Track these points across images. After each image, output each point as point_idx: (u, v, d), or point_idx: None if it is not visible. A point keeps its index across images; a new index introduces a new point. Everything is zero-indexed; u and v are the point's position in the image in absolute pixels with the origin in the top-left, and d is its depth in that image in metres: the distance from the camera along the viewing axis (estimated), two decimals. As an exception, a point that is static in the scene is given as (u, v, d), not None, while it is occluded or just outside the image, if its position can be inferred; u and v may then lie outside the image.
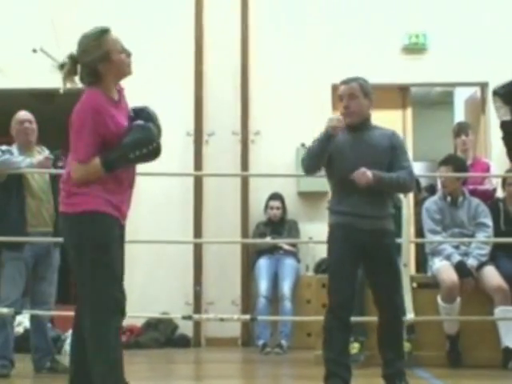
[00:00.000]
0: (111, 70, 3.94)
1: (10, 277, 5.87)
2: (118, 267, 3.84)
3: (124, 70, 4.00)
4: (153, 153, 3.86)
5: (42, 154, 6.11)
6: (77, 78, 4.05)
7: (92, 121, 3.77)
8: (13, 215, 5.87)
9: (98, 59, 3.91)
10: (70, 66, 4.05)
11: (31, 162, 5.89)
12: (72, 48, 8.57)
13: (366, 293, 5.55)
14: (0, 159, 5.84)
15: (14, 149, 6.05)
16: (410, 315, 5.88)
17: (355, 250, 4.53)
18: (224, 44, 8.35)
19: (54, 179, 5.98)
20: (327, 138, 4.46)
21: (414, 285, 6.48)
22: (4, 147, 6.02)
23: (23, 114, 6.14)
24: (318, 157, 4.54)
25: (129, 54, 4.01)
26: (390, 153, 4.64)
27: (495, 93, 3.65)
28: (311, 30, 8.31)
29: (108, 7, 8.42)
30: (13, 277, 5.85)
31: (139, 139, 3.84)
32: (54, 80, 8.22)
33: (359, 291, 5.35)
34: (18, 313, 5.80)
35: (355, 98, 4.63)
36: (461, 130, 7.13)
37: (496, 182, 7.02)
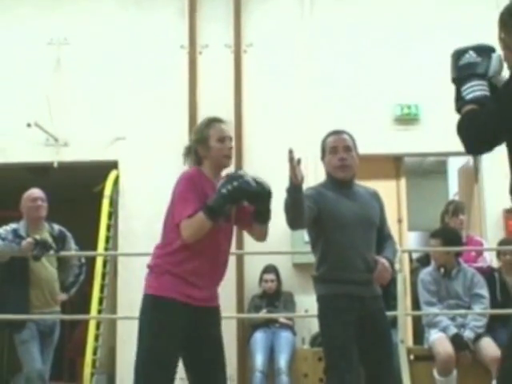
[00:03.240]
0: (208, 155, 4.02)
1: (27, 353, 5.87)
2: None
3: (218, 159, 4.03)
4: (245, 184, 3.84)
5: (47, 231, 6.13)
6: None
7: (193, 186, 3.89)
8: (15, 298, 5.89)
9: (198, 141, 4.07)
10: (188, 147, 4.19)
11: (14, 246, 5.88)
12: (65, 122, 8.69)
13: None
14: None
15: (21, 225, 6.07)
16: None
17: (354, 323, 4.14)
18: (218, 115, 8.36)
19: (60, 258, 6.07)
20: (293, 188, 3.96)
21: (411, 357, 6.41)
22: (9, 227, 6.05)
23: (37, 192, 6.20)
24: (293, 209, 4.00)
25: (229, 148, 4.07)
26: (380, 214, 4.42)
27: None
28: (303, 102, 8.38)
29: (101, 86, 8.51)
30: (29, 352, 5.86)
31: (227, 177, 3.87)
32: (48, 154, 8.42)
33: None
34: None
35: (350, 150, 4.34)
36: (458, 209, 7.11)
37: (490, 259, 7.00)
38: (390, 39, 8.48)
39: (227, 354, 7.70)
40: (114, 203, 8.37)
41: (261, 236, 4.28)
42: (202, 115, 8.36)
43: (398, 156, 8.73)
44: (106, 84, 8.53)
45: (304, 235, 7.90)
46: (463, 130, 2.97)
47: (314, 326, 7.47)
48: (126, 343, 7.74)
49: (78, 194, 9.65)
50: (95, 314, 7.90)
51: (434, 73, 8.34)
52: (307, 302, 7.69)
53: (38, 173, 9.00)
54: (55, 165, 8.34)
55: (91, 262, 7.63)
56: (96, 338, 7.91)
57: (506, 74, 3.05)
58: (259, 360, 7.28)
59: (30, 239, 5.81)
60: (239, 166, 8.24)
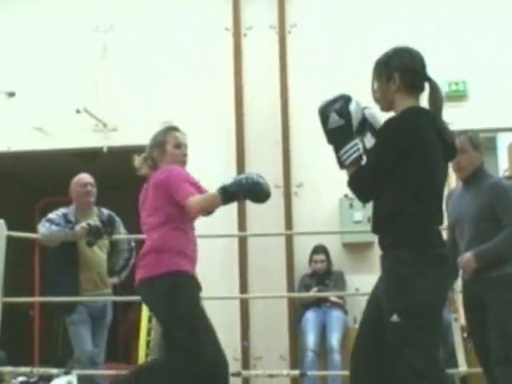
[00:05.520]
0: (164, 159, 4.33)
1: (77, 336, 5.95)
2: None
3: (175, 163, 4.33)
4: (260, 187, 3.99)
5: (96, 215, 6.19)
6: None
7: (186, 175, 4.26)
8: (66, 281, 5.95)
9: (154, 146, 4.39)
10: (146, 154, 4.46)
11: (68, 232, 5.94)
12: (113, 108, 8.77)
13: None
14: (41, 231, 5.93)
15: (70, 210, 6.13)
16: (462, 368, 5.77)
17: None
18: (264, 97, 8.41)
19: (110, 243, 6.13)
20: None
21: (465, 334, 6.38)
22: (59, 211, 6.11)
23: (86, 177, 6.25)
24: None
25: (184, 154, 4.41)
26: (492, 207, 4.66)
27: None
28: (351, 82, 8.31)
29: (147, 71, 8.56)
30: (79, 335, 5.94)
31: (254, 175, 4.07)
32: (97, 139, 8.51)
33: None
34: (67, 373, 5.82)
35: (464, 152, 4.73)
36: None
37: None
38: (438, 17, 8.36)
39: (279, 333, 7.83)
40: (162, 187, 8.43)
41: None
42: (248, 97, 8.44)
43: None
44: (152, 68, 8.57)
45: (353, 214, 7.90)
46: (356, 188, 3.52)
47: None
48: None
49: (126, 178, 9.72)
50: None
51: (480, 48, 8.24)
52: (357, 281, 7.69)
53: (86, 158, 9.10)
54: (104, 150, 8.43)
55: (141, 245, 7.70)
56: (149, 320, 7.99)
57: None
58: (311, 339, 7.30)
59: (83, 224, 5.86)
60: (286, 147, 8.24)
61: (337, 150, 3.56)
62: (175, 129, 4.46)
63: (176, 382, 4.07)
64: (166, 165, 4.31)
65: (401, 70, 3.57)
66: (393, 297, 3.37)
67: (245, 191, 3.96)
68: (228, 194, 3.95)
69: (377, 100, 3.65)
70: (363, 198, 3.66)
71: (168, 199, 4.18)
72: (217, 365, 4.09)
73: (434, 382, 3.25)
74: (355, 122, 3.53)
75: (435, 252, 3.41)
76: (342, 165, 3.55)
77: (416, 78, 3.60)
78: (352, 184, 3.52)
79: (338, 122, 3.53)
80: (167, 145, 4.36)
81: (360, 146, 3.52)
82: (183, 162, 4.37)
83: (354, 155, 3.48)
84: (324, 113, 3.62)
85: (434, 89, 3.59)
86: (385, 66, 3.61)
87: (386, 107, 3.62)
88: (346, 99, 3.61)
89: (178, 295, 4.07)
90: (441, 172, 3.53)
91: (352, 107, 3.56)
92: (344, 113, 3.54)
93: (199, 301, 4.28)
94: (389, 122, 3.51)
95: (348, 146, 3.49)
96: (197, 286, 4.31)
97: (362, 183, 3.50)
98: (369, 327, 3.61)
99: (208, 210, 4.15)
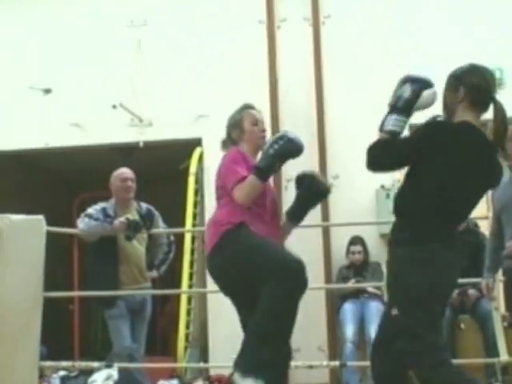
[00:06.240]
0: (243, 138, 4.31)
1: (116, 331, 5.98)
2: None
3: (254, 140, 4.31)
4: (289, 142, 4.03)
5: (135, 209, 6.20)
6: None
7: (240, 159, 4.14)
8: (105, 275, 5.98)
9: (232, 126, 4.38)
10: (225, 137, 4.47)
11: (107, 226, 5.96)
12: (149, 102, 8.79)
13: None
14: (80, 226, 5.97)
15: (110, 204, 6.15)
16: (503, 356, 5.73)
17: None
18: (298, 89, 8.40)
19: (149, 237, 6.14)
20: None
21: (505, 324, 6.33)
22: (98, 206, 6.12)
23: (127, 172, 6.21)
24: None
25: (263, 130, 4.38)
26: None
27: None
28: (385, 72, 8.28)
29: (182, 65, 8.61)
30: (118, 330, 5.97)
31: (273, 138, 4.10)
32: (133, 134, 8.56)
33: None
34: (108, 366, 5.85)
35: None
36: None
37: None
38: (475, 5, 8.30)
39: (317, 324, 7.82)
40: (198, 180, 8.46)
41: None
42: (283, 90, 8.43)
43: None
44: (186, 62, 8.61)
45: (390, 205, 7.85)
46: (374, 152, 3.75)
47: (404, 295, 7.44)
48: (217, 317, 7.85)
49: (162, 172, 9.79)
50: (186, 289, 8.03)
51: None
52: (395, 272, 7.66)
53: (123, 153, 9.16)
54: (141, 145, 8.48)
55: (179, 238, 7.74)
56: (188, 313, 8.03)
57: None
58: (350, 330, 7.29)
59: (122, 219, 5.87)
60: (322, 139, 8.23)
61: (388, 113, 3.73)
62: (250, 106, 4.47)
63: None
64: (246, 145, 4.31)
65: (468, 85, 3.70)
66: (391, 292, 3.66)
67: (275, 160, 4.04)
68: (262, 171, 4.01)
69: (444, 108, 3.80)
70: (382, 167, 3.93)
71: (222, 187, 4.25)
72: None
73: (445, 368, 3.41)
74: (419, 106, 3.71)
75: (429, 249, 3.51)
76: (381, 128, 3.70)
77: (480, 97, 3.73)
78: (378, 147, 3.71)
79: (407, 95, 3.74)
80: (244, 122, 4.34)
81: (405, 126, 3.67)
82: (262, 139, 4.33)
83: (395, 128, 3.65)
84: (403, 80, 3.92)
85: (497, 110, 3.72)
86: (454, 78, 3.78)
87: (449, 116, 3.76)
88: (427, 84, 3.80)
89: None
90: (459, 191, 3.59)
91: (427, 93, 3.73)
92: (417, 91, 3.75)
93: None
94: (429, 122, 3.73)
95: (398, 118, 3.67)
96: None
97: (391, 154, 3.71)
98: (382, 321, 3.91)
99: (253, 194, 4.03)
